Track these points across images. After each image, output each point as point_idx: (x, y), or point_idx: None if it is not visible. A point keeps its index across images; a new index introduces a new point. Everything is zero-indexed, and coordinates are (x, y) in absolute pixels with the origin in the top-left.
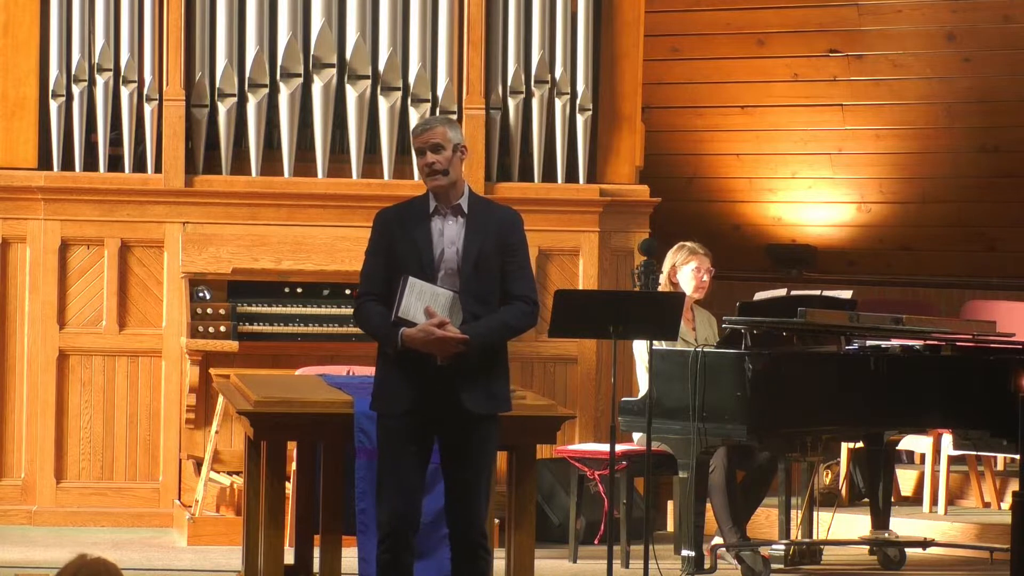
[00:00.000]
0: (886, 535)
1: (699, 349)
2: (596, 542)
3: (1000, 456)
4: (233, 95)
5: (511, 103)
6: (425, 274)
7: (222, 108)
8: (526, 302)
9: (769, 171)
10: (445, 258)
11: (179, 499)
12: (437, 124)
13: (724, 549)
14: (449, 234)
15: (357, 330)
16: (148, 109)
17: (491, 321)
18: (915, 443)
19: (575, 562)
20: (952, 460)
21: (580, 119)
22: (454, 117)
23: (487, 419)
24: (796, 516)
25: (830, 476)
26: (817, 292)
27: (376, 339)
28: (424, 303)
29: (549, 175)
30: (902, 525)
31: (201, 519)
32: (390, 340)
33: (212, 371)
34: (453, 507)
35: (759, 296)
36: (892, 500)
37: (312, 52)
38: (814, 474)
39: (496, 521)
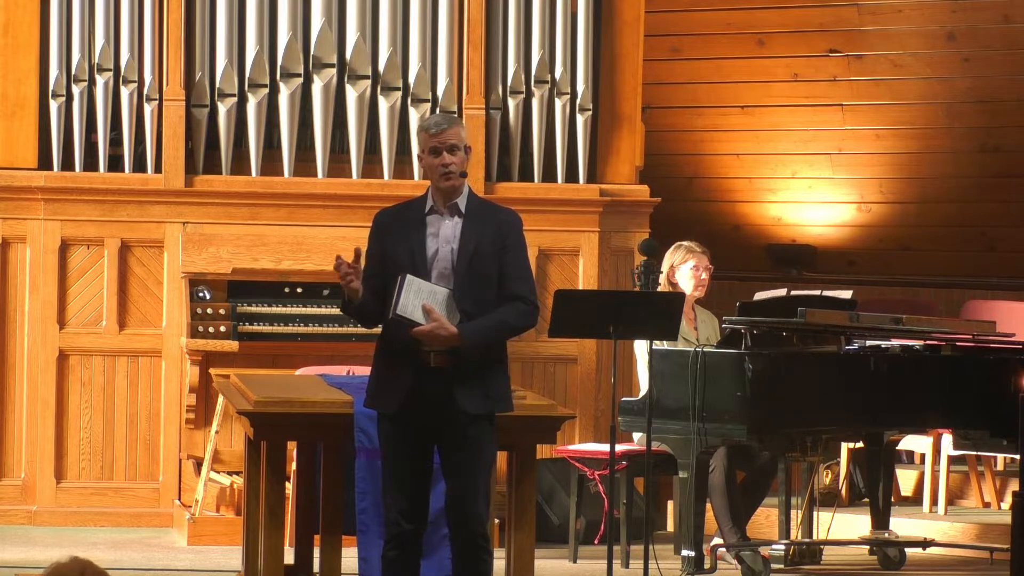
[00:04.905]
0: (886, 535)
1: (699, 349)
2: (596, 542)
3: (1000, 456)
4: (233, 95)
5: (511, 103)
6: (418, 273)
7: (222, 108)
8: (524, 302)
9: (769, 171)
10: (439, 257)
11: (179, 499)
12: (452, 124)
13: (724, 549)
14: (445, 233)
15: (357, 330)
16: (148, 109)
17: (487, 320)
18: (915, 443)
19: (575, 562)
20: (952, 460)
21: (580, 119)
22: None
23: (482, 419)
24: (796, 516)
25: (830, 476)
26: (817, 292)
27: (360, 314)
28: (422, 300)
29: (549, 175)
30: (902, 525)
31: (201, 519)
32: (366, 312)
33: (212, 371)
34: (453, 507)
35: (759, 296)
36: (892, 500)
37: (312, 52)
38: (814, 474)
39: (496, 521)
